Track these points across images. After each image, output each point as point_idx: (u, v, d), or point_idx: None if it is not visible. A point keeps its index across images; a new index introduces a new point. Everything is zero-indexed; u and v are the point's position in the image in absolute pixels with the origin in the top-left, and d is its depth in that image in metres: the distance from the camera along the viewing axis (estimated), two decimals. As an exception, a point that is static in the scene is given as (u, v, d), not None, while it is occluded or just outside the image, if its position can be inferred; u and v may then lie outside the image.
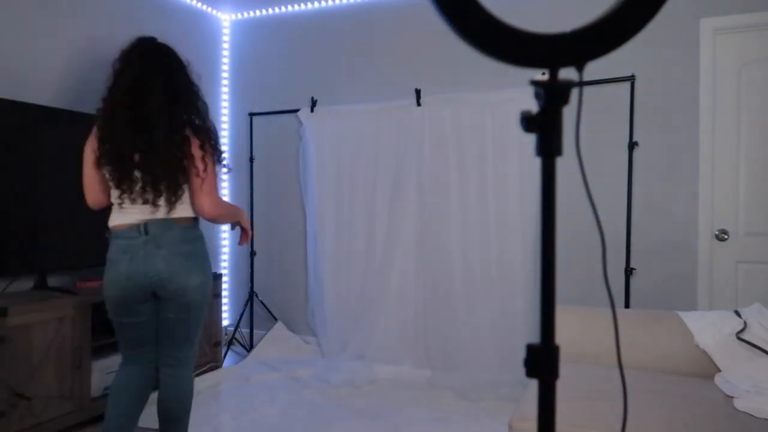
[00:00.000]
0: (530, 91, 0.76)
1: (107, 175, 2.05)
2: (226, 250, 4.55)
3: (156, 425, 2.80)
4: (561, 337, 2.70)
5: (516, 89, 3.42)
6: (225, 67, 4.48)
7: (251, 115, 4.38)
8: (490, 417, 2.94)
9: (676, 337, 2.42)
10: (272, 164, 4.37)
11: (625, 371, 2.39)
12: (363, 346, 3.85)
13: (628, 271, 3.39)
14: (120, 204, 2.06)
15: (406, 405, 3.13)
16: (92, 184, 2.12)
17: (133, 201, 2.04)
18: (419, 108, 3.76)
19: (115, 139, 2.01)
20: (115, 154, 2.02)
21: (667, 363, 2.39)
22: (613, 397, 1.99)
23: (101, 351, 3.07)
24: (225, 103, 4.49)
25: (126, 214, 2.06)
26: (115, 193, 2.06)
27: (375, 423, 2.87)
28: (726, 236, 3.24)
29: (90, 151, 2.09)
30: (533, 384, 2.22)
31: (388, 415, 2.97)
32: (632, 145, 3.38)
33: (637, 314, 2.60)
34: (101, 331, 3.12)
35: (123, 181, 2.03)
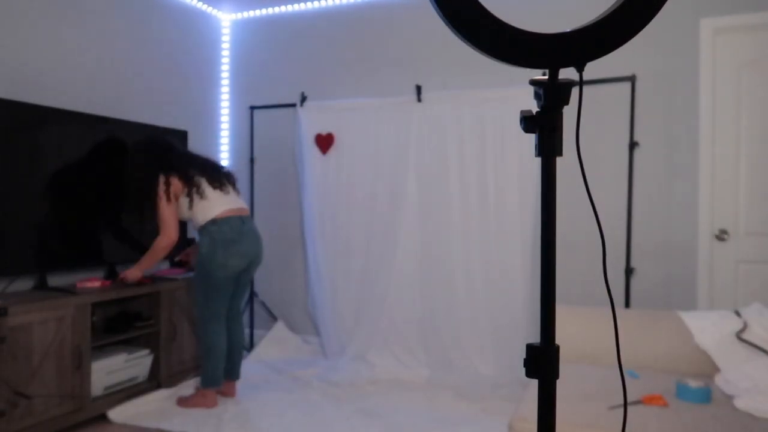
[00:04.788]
0: (532, 89, 0.76)
1: None
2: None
3: (158, 425, 2.81)
4: (561, 337, 2.70)
5: (519, 87, 3.42)
6: (225, 67, 4.48)
7: (252, 108, 4.37)
8: (490, 417, 2.94)
9: (676, 337, 2.43)
10: (272, 164, 4.37)
11: (625, 371, 2.38)
12: (363, 346, 3.85)
13: (628, 271, 3.39)
14: None
15: (406, 405, 3.13)
16: None
17: None
18: (420, 104, 3.75)
19: None
20: None
21: (667, 363, 2.39)
22: (614, 397, 1.99)
23: (101, 351, 3.07)
24: (225, 102, 4.48)
25: None
26: None
27: (375, 423, 2.87)
28: (726, 236, 3.24)
29: None
30: (533, 384, 2.22)
31: (388, 415, 2.97)
32: (632, 145, 3.38)
33: (637, 314, 2.60)
34: (101, 331, 3.13)
35: None
